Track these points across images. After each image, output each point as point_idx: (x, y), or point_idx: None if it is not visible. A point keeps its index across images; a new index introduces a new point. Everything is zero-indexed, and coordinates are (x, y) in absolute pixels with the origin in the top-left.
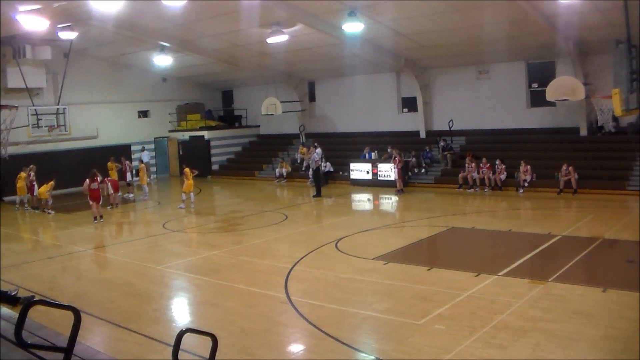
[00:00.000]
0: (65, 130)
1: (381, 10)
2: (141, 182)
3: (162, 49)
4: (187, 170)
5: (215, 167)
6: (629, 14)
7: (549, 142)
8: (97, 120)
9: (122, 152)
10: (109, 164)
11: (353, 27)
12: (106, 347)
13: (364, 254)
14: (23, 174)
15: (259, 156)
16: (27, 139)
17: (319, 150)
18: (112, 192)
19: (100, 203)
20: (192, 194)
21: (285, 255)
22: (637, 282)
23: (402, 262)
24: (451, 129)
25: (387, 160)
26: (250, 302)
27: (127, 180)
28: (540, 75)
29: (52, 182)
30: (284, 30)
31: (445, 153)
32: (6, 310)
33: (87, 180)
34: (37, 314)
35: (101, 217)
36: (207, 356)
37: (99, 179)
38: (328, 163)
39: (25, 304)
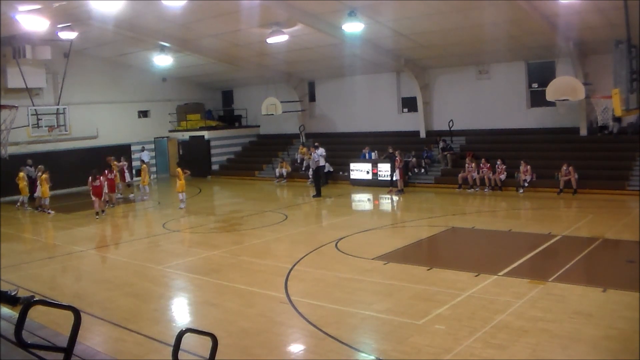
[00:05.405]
0: (65, 130)
1: (381, 10)
2: (142, 183)
3: (162, 49)
4: (179, 170)
5: (215, 167)
6: (629, 14)
7: (549, 142)
8: (97, 120)
9: (122, 152)
10: (112, 163)
11: (353, 27)
12: (106, 347)
13: (364, 254)
14: (21, 174)
15: (259, 156)
16: (27, 139)
17: (320, 150)
18: (106, 191)
19: (102, 199)
20: (182, 194)
21: (285, 255)
22: (637, 282)
23: (402, 262)
24: (451, 129)
25: (389, 160)
26: (250, 302)
27: (127, 180)
28: (540, 75)
29: (45, 176)
30: (284, 30)
31: (445, 153)
32: (6, 310)
33: (90, 178)
34: (37, 314)
35: (103, 211)
36: (207, 356)
37: (101, 178)
38: (327, 163)
39: (25, 304)
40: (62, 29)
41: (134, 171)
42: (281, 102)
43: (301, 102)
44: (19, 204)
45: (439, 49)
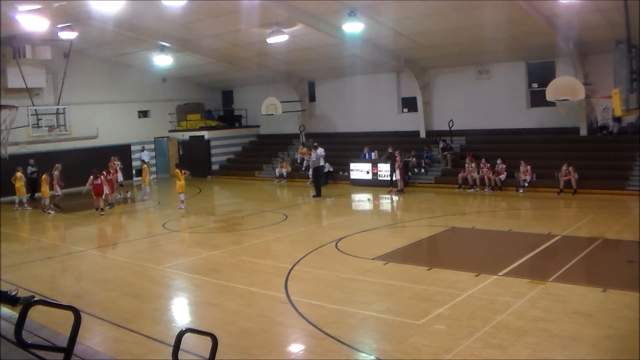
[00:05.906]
0: (65, 130)
1: (381, 10)
2: (143, 183)
3: (162, 49)
4: (177, 171)
5: (215, 167)
6: (629, 14)
7: (549, 142)
8: (97, 120)
9: (122, 152)
10: (111, 163)
11: (353, 27)
12: (106, 347)
13: (364, 254)
14: (19, 174)
15: (259, 156)
16: (27, 139)
17: (319, 150)
18: (107, 191)
19: (103, 197)
20: (182, 194)
21: (285, 255)
22: (637, 282)
23: (402, 262)
24: (451, 129)
25: (389, 160)
26: (250, 302)
27: (118, 181)
28: (540, 75)
29: (45, 176)
30: (284, 30)
31: (445, 153)
32: (6, 310)
33: (91, 177)
34: (37, 314)
35: (102, 210)
36: (207, 356)
37: (102, 177)
38: (327, 163)
39: (25, 304)
40: (62, 29)
41: (134, 171)
42: (281, 102)
43: (301, 102)
44: (17, 205)
45: (439, 49)
